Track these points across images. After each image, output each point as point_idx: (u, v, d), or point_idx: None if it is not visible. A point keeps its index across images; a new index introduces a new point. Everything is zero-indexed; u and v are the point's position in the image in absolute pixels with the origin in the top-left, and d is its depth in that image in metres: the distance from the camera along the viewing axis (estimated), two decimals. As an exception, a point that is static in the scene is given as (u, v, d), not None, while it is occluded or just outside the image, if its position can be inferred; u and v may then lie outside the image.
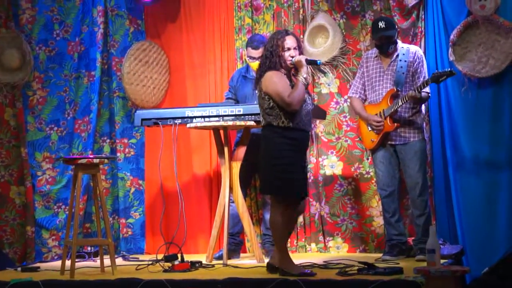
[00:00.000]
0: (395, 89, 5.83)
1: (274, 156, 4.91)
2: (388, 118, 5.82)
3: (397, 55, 5.91)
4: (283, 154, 4.89)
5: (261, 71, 5.04)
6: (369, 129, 5.98)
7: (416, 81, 5.87)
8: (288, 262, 4.98)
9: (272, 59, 4.98)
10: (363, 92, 6.11)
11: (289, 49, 5.01)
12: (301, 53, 5.08)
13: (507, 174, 5.94)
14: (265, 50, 5.07)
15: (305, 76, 4.98)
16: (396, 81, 5.85)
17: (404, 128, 5.86)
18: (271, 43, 5.04)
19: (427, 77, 5.86)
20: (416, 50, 5.98)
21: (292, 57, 5.01)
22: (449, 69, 5.63)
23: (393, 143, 5.90)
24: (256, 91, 5.14)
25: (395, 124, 5.81)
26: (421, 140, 5.89)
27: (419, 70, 5.90)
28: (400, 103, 5.74)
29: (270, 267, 5.14)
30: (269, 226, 5.15)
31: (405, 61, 5.85)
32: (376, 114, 5.91)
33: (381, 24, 5.87)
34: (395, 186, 5.95)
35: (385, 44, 5.91)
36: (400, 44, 5.99)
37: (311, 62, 5.15)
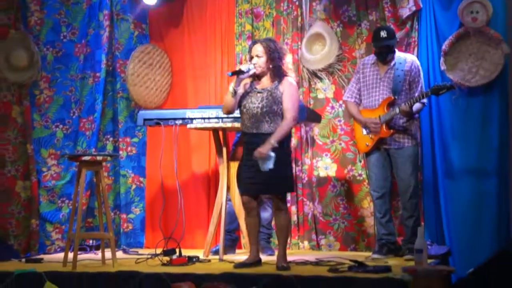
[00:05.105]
0: (393, 97, 5.85)
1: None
2: (384, 125, 5.84)
3: (394, 64, 5.92)
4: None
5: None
6: (364, 133, 5.97)
7: (413, 90, 5.88)
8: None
9: None
10: (358, 96, 6.09)
11: (252, 57, 5.28)
12: (268, 59, 5.24)
13: (494, 180, 6.11)
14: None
15: (232, 85, 5.23)
16: (393, 89, 5.86)
17: (398, 133, 5.87)
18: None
19: (423, 86, 5.93)
20: (413, 60, 5.97)
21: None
22: (450, 83, 5.65)
23: (387, 147, 5.93)
24: None
25: (391, 130, 5.83)
26: (414, 146, 5.92)
27: (416, 80, 5.89)
28: (396, 111, 5.77)
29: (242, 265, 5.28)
30: (284, 228, 5.30)
31: (402, 70, 5.85)
32: None
33: (383, 34, 5.87)
34: (387, 188, 5.98)
35: (384, 53, 5.91)
36: (397, 53, 5.99)
37: (236, 73, 5.28)
